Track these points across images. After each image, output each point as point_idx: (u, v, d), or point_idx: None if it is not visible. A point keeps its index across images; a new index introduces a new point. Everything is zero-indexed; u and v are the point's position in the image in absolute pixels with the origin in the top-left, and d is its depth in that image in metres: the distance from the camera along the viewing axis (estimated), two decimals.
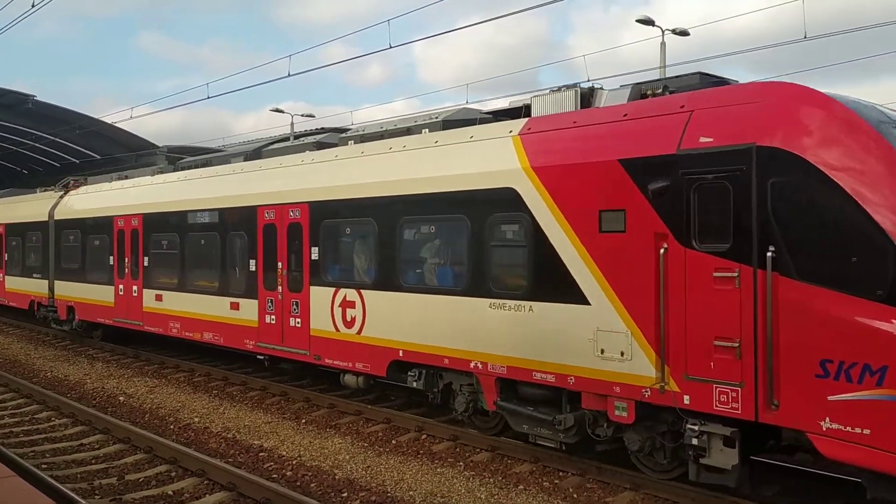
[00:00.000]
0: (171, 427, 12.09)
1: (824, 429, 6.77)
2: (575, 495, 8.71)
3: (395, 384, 12.53)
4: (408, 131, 12.03)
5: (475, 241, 9.97)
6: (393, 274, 11.20)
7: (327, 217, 12.46)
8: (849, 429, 6.63)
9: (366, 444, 10.80)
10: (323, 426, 11.91)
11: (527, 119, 9.99)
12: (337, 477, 9.38)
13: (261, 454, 10.45)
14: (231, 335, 14.80)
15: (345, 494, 8.77)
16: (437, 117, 11.73)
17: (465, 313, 10.08)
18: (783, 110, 7.46)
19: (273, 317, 13.67)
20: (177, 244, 16.49)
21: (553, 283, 8.99)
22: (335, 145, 13.84)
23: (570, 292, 8.75)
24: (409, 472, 9.54)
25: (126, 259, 18.30)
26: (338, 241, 12.71)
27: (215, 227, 15.28)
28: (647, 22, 26.78)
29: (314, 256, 12.73)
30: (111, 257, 18.92)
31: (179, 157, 23.38)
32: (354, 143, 13.08)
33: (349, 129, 14.74)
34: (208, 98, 44.65)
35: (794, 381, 6.96)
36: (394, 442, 10.90)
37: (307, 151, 14.05)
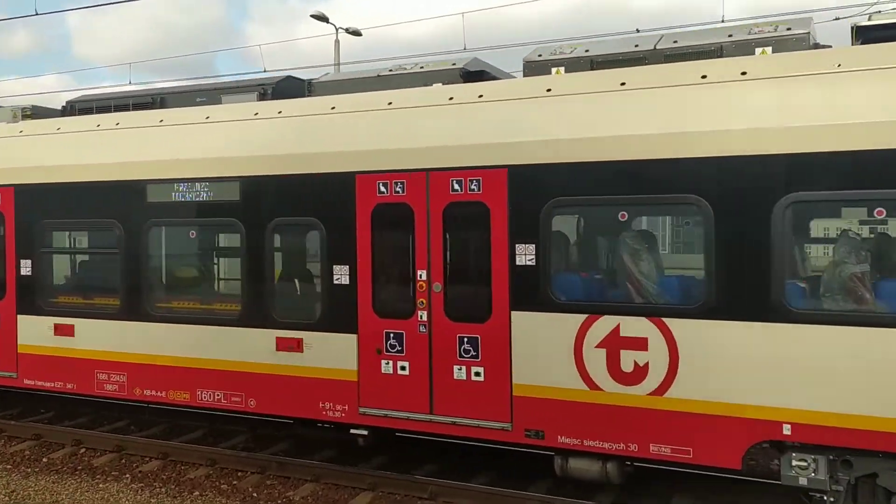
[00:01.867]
0: None
1: None
2: (255, 494, 8.43)
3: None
4: (720, 51, 7.27)
5: None
6: (762, 291, 6.41)
7: (566, 193, 7.16)
8: None
9: (9, 466, 9.56)
10: None
11: None
12: None
13: None
14: (281, 395, 8.54)
15: None
16: (772, 29, 7.15)
17: None
18: None
19: (403, 363, 7.88)
20: (116, 238, 9.46)
21: None
22: (487, 76, 8.48)
23: None
24: (66, 491, 8.59)
25: None
26: (595, 233, 7.55)
27: (229, 209, 8.78)
28: (322, 18, 26.97)
29: (524, 260, 7.32)
30: None
31: None
32: (565, 70, 7.88)
33: None
34: None
35: None
36: (45, 460, 9.75)
37: (453, 85, 8.35)
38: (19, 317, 10.14)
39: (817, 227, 7.05)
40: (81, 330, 9.72)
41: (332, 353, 8.23)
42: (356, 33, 28.00)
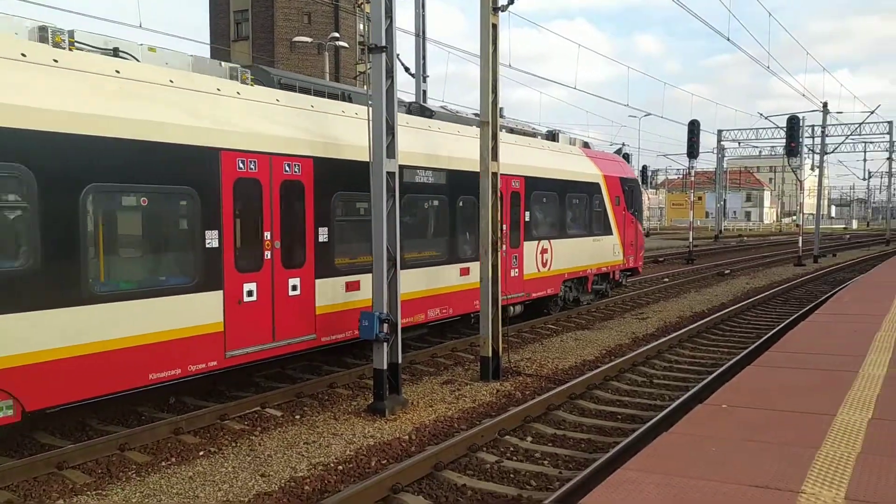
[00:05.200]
0: None
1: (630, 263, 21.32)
2: None
3: None
4: None
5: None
6: (563, 227, 17.24)
7: (536, 189, 15.99)
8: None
9: None
10: None
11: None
12: None
13: None
14: (461, 302, 13.90)
15: None
16: None
17: (584, 247, 18.17)
18: None
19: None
20: None
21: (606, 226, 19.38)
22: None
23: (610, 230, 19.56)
24: None
25: None
26: (542, 206, 16.48)
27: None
28: None
29: (527, 219, 15.65)
30: None
31: None
32: None
33: None
34: None
35: (631, 252, 20.87)
36: None
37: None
38: None
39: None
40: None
41: (476, 275, 12.90)
42: None
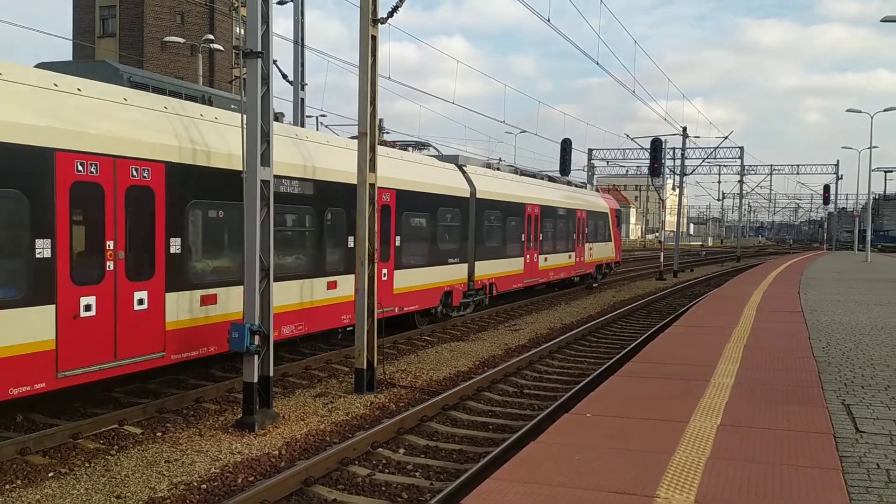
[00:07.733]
0: None
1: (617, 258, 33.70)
2: None
3: None
4: None
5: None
6: (596, 237, 30.08)
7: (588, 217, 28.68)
8: None
9: None
10: None
11: None
12: None
13: None
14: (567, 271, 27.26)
15: None
16: None
17: (602, 248, 31.22)
18: None
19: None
20: None
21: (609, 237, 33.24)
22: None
23: (610, 239, 33.33)
24: None
25: None
26: (590, 225, 29.87)
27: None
28: None
29: (586, 231, 27.85)
30: None
31: None
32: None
33: None
34: None
35: (618, 252, 34.72)
36: None
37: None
38: None
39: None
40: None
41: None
42: None
